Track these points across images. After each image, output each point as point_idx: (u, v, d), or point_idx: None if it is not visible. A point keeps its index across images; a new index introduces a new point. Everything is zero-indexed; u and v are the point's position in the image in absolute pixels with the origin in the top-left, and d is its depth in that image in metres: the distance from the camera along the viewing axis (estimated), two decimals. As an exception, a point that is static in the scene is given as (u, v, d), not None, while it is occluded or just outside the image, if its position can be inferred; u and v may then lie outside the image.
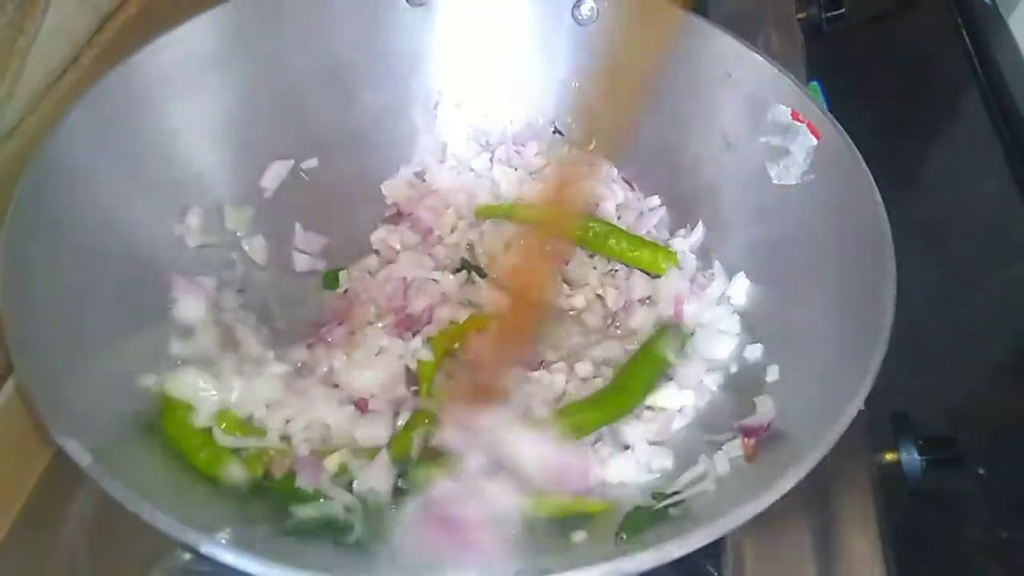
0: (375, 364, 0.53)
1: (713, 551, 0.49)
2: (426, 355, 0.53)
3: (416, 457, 0.48)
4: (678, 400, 0.52)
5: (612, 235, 0.61)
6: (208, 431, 0.47)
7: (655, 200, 0.64)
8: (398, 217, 0.64)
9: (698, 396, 0.53)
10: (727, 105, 0.59)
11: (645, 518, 0.45)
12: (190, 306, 0.52)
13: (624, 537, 0.44)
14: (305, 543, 0.43)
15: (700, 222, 0.61)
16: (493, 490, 0.43)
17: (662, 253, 0.60)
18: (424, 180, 0.66)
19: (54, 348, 0.44)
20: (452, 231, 0.63)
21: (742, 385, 0.52)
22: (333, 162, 0.64)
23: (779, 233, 0.57)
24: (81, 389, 0.44)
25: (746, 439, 0.46)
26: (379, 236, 0.62)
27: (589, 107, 0.64)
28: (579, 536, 0.45)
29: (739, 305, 0.57)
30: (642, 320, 0.58)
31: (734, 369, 0.54)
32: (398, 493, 0.47)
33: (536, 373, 0.53)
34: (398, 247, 0.61)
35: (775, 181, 0.57)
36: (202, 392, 0.47)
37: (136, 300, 0.51)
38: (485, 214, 0.64)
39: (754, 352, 0.53)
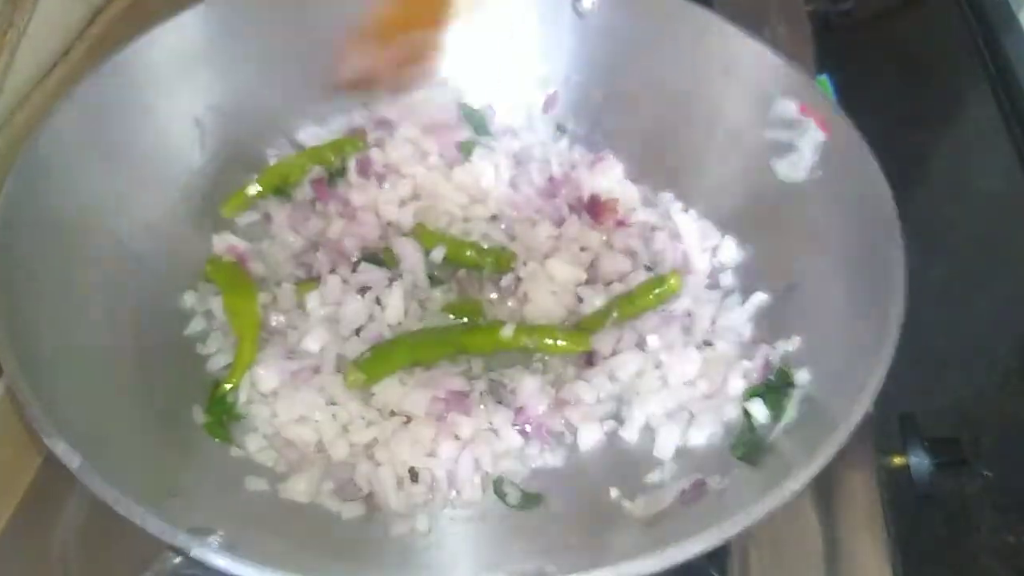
0: None
1: (718, 556, 0.49)
2: None
3: None
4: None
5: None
6: None
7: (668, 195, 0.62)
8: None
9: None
10: (733, 99, 0.58)
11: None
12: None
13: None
14: (297, 547, 0.42)
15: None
16: None
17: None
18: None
19: (43, 349, 0.43)
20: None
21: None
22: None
23: (785, 231, 0.55)
24: (71, 390, 0.43)
25: None
26: None
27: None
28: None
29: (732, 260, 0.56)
30: None
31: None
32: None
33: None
34: None
35: (782, 178, 0.56)
36: None
37: (125, 297, 0.51)
38: None
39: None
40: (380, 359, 0.51)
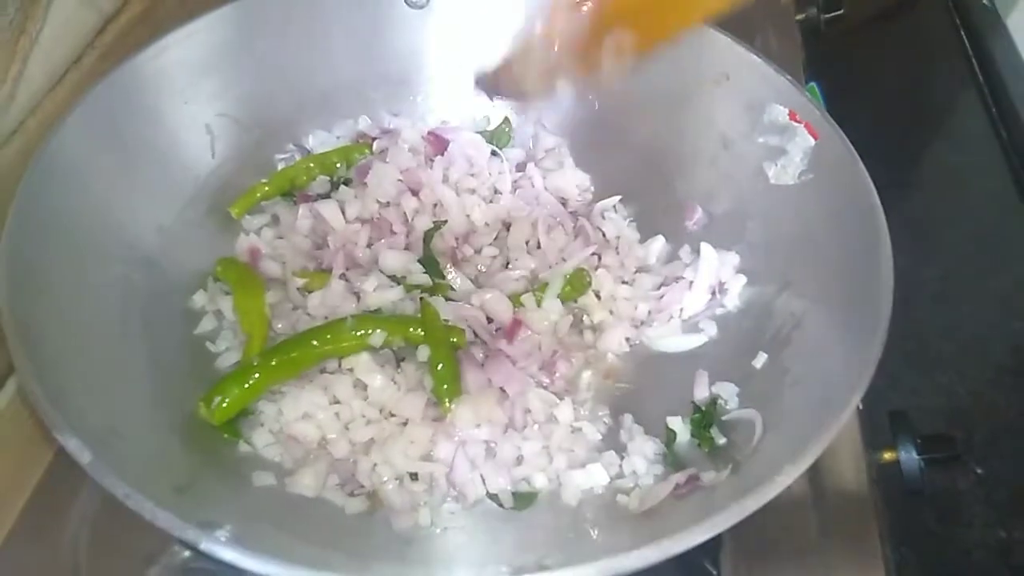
0: None
1: (711, 549, 0.49)
2: None
3: None
4: None
5: None
6: None
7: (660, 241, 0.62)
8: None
9: None
10: (725, 106, 0.60)
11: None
12: None
13: None
14: (303, 541, 0.43)
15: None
16: None
17: None
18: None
19: (55, 347, 0.44)
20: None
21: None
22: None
23: (776, 233, 0.57)
24: (82, 387, 0.44)
25: None
26: None
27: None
28: None
29: (734, 306, 0.57)
30: None
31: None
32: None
33: None
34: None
35: (772, 181, 0.57)
36: None
37: (136, 296, 0.52)
38: None
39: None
40: (230, 386, 0.48)
